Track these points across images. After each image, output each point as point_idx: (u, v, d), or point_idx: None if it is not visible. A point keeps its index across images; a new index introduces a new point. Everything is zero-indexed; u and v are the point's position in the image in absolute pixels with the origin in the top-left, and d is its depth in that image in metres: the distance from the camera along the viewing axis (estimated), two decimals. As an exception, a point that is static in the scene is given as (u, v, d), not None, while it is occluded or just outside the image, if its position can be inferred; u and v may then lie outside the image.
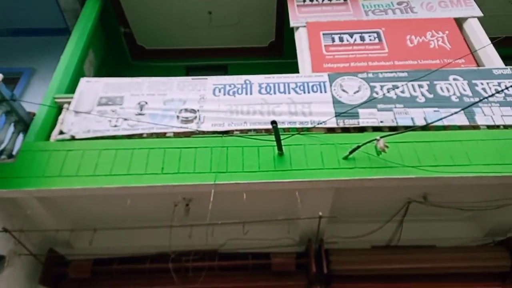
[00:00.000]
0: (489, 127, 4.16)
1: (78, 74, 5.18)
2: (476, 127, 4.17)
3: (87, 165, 3.79)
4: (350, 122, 4.19)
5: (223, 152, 3.87)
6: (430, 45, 5.25)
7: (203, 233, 3.58)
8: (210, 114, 4.31)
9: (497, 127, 4.14)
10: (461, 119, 4.15)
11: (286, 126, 4.19)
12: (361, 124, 4.18)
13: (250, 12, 6.91)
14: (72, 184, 3.69)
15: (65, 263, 4.50)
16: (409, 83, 4.47)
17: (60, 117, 4.41)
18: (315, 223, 3.97)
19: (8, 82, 6.07)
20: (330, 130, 4.20)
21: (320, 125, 4.15)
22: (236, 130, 4.20)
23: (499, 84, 4.47)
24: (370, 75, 4.64)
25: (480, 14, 5.65)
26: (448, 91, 4.45)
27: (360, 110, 4.24)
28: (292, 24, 5.74)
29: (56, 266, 4.46)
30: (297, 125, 4.19)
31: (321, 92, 4.49)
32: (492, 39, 4.94)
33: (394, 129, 4.06)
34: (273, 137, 3.73)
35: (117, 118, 4.25)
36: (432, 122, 4.01)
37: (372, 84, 4.52)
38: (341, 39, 5.35)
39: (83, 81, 4.77)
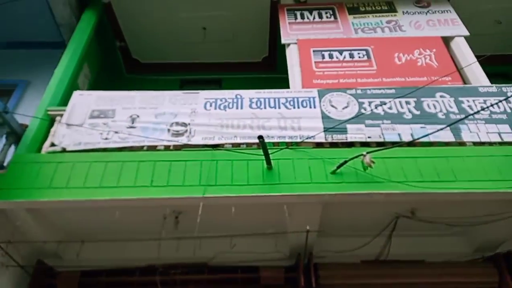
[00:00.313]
0: (475, 143, 4.20)
1: (72, 87, 5.20)
2: (462, 143, 4.21)
3: (77, 177, 3.80)
4: (338, 137, 4.23)
5: (212, 165, 3.89)
6: (417, 63, 5.34)
7: (192, 246, 3.60)
8: (201, 127, 4.34)
9: (483, 144, 4.19)
10: (447, 136, 4.19)
11: (275, 140, 4.23)
12: (349, 139, 4.22)
13: (244, 28, 7.04)
14: (61, 196, 3.70)
15: (54, 275, 4.48)
16: (396, 99, 4.51)
17: (52, 129, 4.43)
18: (304, 237, 3.98)
19: (3, 94, 6.18)
20: (319, 144, 4.24)
21: (308, 140, 4.18)
22: (226, 144, 4.23)
23: (484, 102, 4.54)
24: (359, 91, 4.71)
25: (467, 33, 5.79)
26: (435, 108, 4.51)
27: (349, 126, 4.29)
28: (283, 41, 5.85)
29: (44, 278, 4.44)
30: (287, 140, 4.23)
31: (310, 107, 4.55)
32: (478, 57, 5.03)
33: (381, 144, 4.10)
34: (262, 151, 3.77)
35: (108, 131, 4.27)
36: (419, 138, 4.06)
37: (360, 100, 4.59)
38: (330, 56, 5.45)
39: (76, 94, 4.82)
